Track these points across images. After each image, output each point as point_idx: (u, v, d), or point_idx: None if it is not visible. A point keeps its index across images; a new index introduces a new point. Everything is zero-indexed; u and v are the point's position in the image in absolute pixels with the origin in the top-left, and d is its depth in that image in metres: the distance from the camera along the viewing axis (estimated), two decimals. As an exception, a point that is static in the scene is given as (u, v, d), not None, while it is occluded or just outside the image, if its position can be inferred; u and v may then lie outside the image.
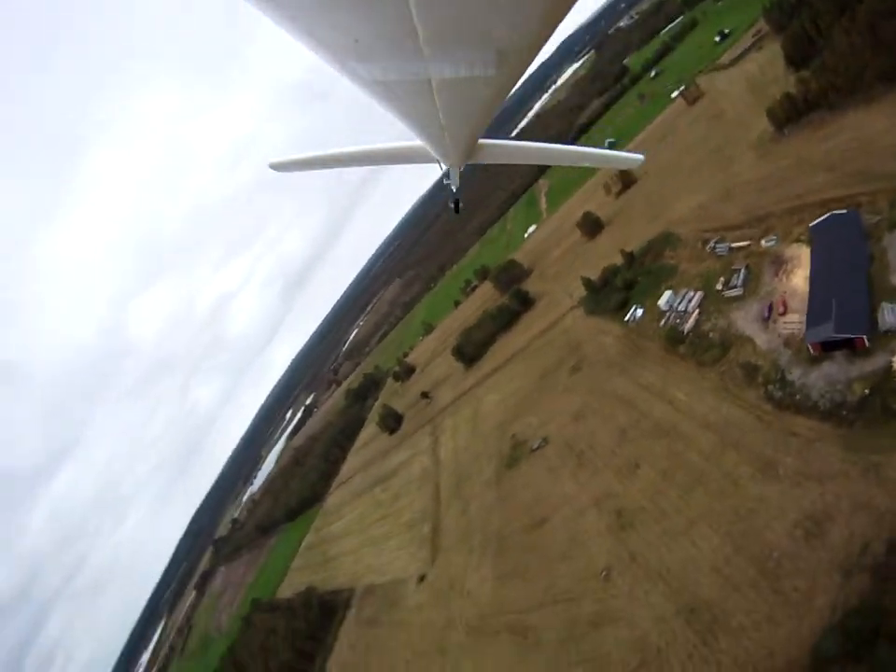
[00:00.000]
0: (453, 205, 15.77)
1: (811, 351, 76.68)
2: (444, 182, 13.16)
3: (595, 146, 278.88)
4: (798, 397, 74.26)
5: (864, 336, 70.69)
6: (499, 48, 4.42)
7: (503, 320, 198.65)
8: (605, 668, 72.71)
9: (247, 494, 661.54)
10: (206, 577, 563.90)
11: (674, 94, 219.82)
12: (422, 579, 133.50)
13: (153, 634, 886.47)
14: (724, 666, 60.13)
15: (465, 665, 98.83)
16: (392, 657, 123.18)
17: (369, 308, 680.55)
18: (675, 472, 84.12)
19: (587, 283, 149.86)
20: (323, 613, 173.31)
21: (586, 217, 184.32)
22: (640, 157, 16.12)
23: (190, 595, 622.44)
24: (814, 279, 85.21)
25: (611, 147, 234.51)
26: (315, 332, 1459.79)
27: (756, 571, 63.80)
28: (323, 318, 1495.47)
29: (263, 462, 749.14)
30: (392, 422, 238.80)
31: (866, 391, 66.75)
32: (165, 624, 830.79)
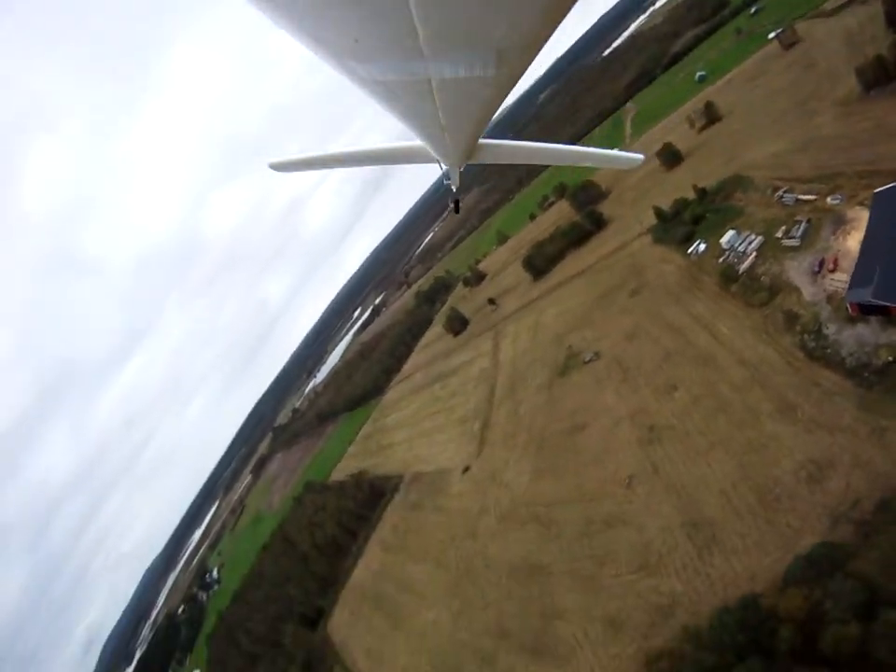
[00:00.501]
0: (452, 205, 17.15)
1: (849, 311, 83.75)
2: (445, 182, 14.19)
3: (686, 76, 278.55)
4: (829, 350, 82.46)
5: (900, 306, 77.97)
6: (499, 48, 4.73)
7: (574, 238, 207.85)
8: (609, 564, 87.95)
9: (310, 386, 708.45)
10: (263, 461, 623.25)
11: (771, 35, 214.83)
12: (466, 470, 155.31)
13: (207, 513, 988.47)
14: (713, 581, 72.47)
15: (491, 548, 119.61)
16: (428, 538, 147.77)
17: (445, 214, 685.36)
18: (705, 399, 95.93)
19: (658, 212, 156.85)
20: (371, 495, 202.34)
21: (666, 147, 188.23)
22: (640, 157, 17.56)
23: (246, 479, 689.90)
24: (865, 243, 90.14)
25: (702, 80, 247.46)
26: (390, 234, 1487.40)
27: (757, 501, 74.85)
28: (398, 221, 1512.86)
29: (328, 357, 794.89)
30: (458, 324, 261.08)
31: (890, 358, 74.22)
32: (219, 504, 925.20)
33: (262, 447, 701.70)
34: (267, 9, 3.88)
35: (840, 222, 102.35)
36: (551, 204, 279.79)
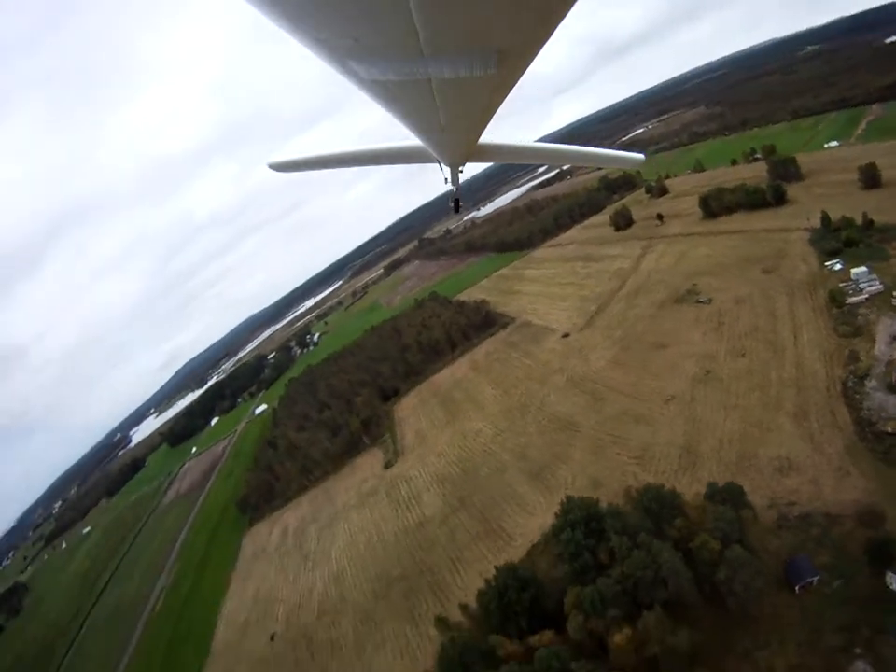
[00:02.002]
0: (452, 205, 18.78)
1: (894, 380, 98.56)
2: (445, 182, 15.15)
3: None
4: (858, 396, 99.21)
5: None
6: (499, 48, 5.03)
7: (753, 200, 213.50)
8: (619, 445, 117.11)
9: (470, 215, 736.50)
10: (399, 263, 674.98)
11: None
12: (565, 336, 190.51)
13: (326, 288, 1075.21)
14: (673, 485, 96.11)
15: (550, 398, 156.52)
16: (509, 372, 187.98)
17: (666, 116, 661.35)
18: (756, 374, 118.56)
19: (824, 219, 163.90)
20: (482, 323, 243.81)
21: (870, 166, 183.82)
22: (641, 156, 18.37)
23: (377, 272, 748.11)
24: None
25: None
26: (604, 109, 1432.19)
27: (735, 459, 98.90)
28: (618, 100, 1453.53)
29: (497, 198, 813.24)
30: (622, 222, 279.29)
31: (890, 430, 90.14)
32: (341, 285, 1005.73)
33: (403, 251, 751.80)
34: (267, 9, 4.17)
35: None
36: (755, 160, 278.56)
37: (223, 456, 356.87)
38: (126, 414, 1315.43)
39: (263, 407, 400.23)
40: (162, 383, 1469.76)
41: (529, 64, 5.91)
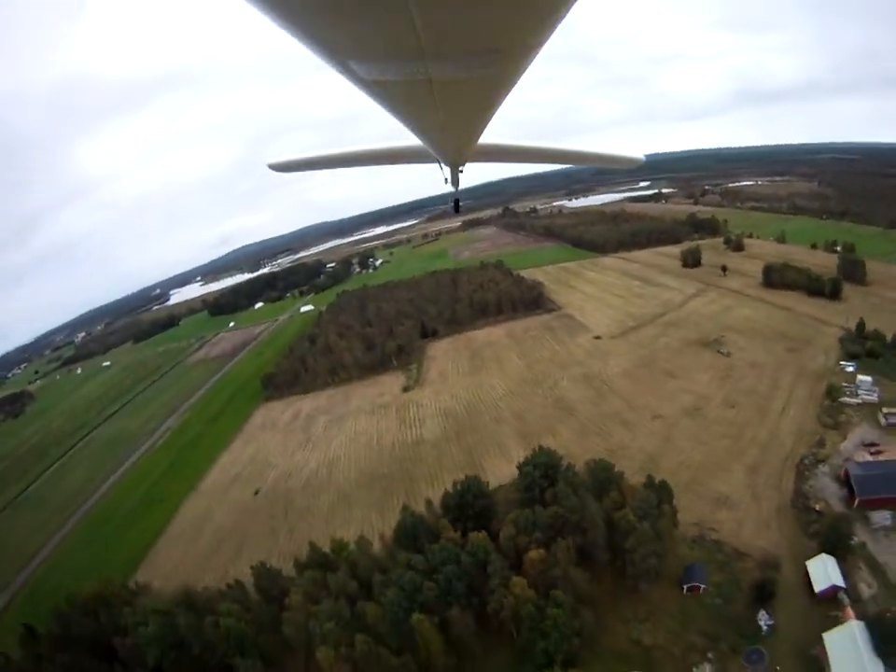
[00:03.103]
0: (452, 205, 18.96)
1: (841, 474, 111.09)
2: (445, 182, 15.27)
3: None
4: (807, 474, 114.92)
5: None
6: (499, 48, 5.07)
7: (811, 286, 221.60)
8: (599, 439, 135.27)
9: (560, 203, 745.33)
10: (479, 223, 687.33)
11: None
12: (597, 338, 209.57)
13: (401, 222, 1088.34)
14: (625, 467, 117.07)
15: (561, 383, 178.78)
16: (539, 349, 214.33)
17: (779, 179, 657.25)
18: (735, 427, 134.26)
19: (860, 325, 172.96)
20: (531, 301, 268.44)
21: None
22: (641, 157, 18.02)
23: (455, 224, 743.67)
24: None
25: None
26: (723, 148, 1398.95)
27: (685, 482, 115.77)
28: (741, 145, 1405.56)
29: (592, 196, 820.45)
30: (691, 261, 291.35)
31: (818, 507, 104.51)
32: (416, 223, 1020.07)
33: (486, 213, 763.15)
34: (267, 9, 4.15)
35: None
36: (833, 251, 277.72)
37: (258, 338, 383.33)
38: (170, 275, 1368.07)
39: (309, 307, 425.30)
40: (214, 257, 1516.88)
41: (529, 65, 6.01)
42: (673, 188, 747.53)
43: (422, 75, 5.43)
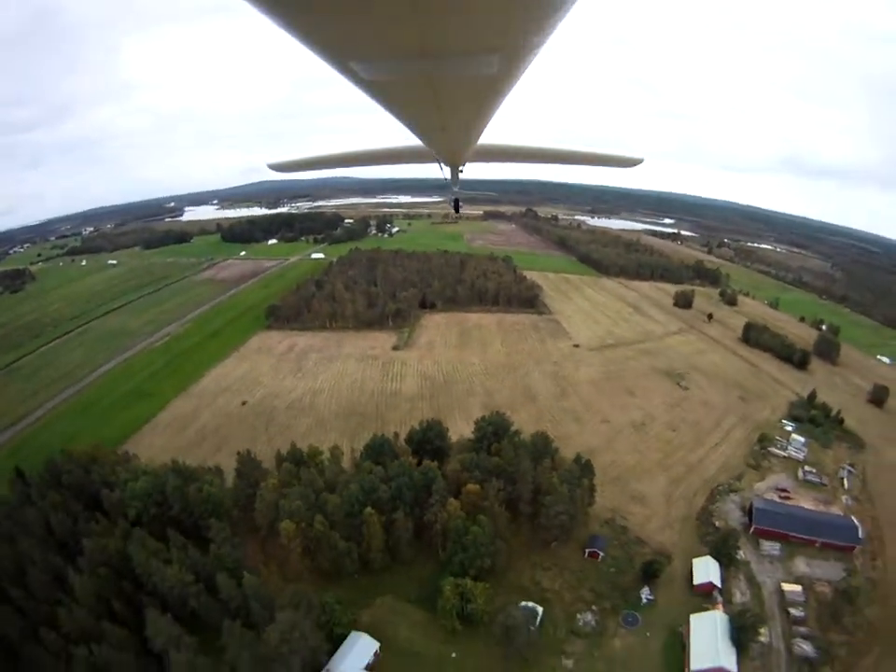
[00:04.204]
0: (452, 204, 19.64)
1: (747, 508, 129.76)
2: (445, 182, 15.75)
3: None
4: (718, 498, 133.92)
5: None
6: (499, 48, 5.11)
7: (782, 352, 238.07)
8: (551, 426, 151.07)
9: (582, 217, 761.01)
10: (499, 216, 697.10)
11: None
12: (576, 346, 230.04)
13: (425, 197, 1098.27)
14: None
15: (534, 375, 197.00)
16: (523, 342, 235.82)
17: (797, 251, 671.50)
18: (671, 445, 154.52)
19: (811, 396, 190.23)
20: (527, 300, 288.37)
21: (882, 388, 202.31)
22: (640, 157, 18.28)
23: (478, 212, 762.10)
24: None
25: None
26: (761, 209, 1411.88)
27: (614, 477, 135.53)
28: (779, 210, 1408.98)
29: (613, 218, 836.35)
30: (682, 302, 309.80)
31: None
32: (441, 201, 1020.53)
33: (508, 209, 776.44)
34: (268, 10, 4.20)
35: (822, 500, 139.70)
36: (819, 328, 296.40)
37: (267, 271, 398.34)
38: (188, 191, 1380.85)
39: (321, 255, 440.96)
40: (234, 185, 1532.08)
41: (529, 65, 5.97)
42: (694, 231, 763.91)
43: (422, 75, 5.68)
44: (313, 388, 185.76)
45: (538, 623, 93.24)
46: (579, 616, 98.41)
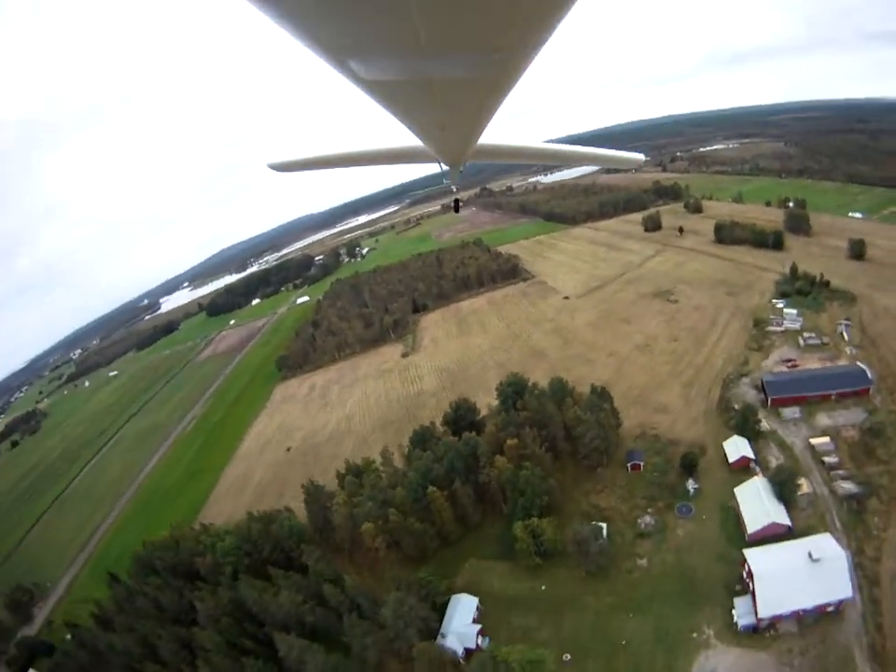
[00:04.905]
0: (452, 204, 19.81)
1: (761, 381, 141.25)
2: (444, 182, 15.60)
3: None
4: (731, 385, 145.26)
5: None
6: (499, 48, 5.05)
7: (756, 240, 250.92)
8: (565, 374, 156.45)
9: (535, 178, 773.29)
10: (458, 205, 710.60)
11: None
12: (566, 298, 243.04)
13: (384, 209, 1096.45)
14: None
15: (534, 335, 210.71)
16: (515, 311, 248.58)
17: (747, 140, 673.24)
18: (676, 354, 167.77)
19: (793, 271, 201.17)
20: (508, 272, 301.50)
21: (859, 242, 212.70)
22: (641, 156, 18.20)
23: (435, 207, 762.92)
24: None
25: None
26: (694, 113, 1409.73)
27: (633, 398, 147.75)
28: (711, 109, 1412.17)
29: (566, 169, 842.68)
30: (651, 225, 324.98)
31: (737, 407, 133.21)
32: (398, 209, 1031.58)
33: (463, 194, 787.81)
34: (267, 9, 4.13)
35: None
36: (786, 207, 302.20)
37: (261, 330, 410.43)
38: (156, 284, 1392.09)
39: (305, 298, 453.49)
40: (196, 262, 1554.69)
41: (529, 65, 5.92)
42: (646, 155, 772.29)
43: (422, 75, 5.61)
44: (345, 415, 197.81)
45: (605, 537, 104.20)
46: (639, 521, 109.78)
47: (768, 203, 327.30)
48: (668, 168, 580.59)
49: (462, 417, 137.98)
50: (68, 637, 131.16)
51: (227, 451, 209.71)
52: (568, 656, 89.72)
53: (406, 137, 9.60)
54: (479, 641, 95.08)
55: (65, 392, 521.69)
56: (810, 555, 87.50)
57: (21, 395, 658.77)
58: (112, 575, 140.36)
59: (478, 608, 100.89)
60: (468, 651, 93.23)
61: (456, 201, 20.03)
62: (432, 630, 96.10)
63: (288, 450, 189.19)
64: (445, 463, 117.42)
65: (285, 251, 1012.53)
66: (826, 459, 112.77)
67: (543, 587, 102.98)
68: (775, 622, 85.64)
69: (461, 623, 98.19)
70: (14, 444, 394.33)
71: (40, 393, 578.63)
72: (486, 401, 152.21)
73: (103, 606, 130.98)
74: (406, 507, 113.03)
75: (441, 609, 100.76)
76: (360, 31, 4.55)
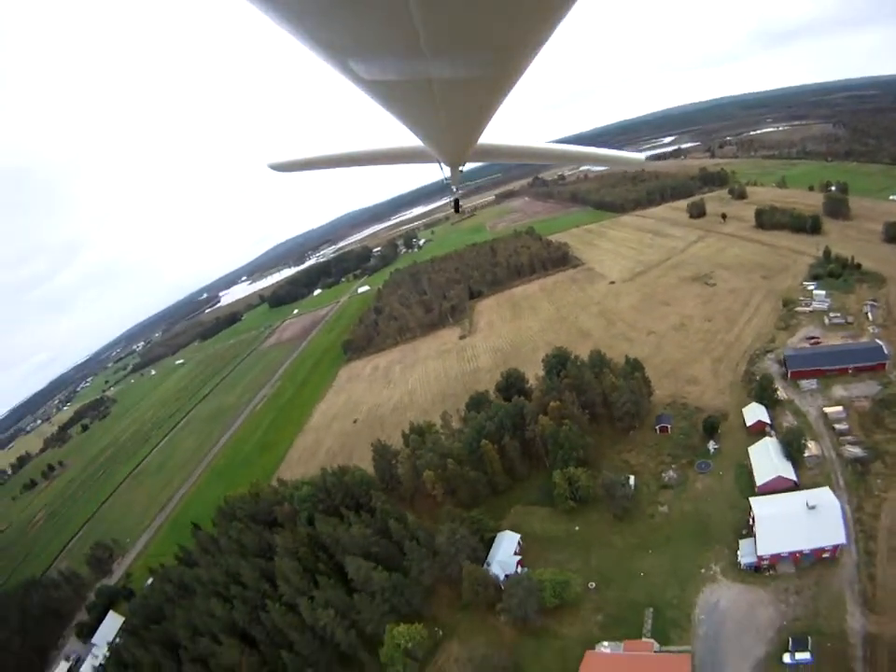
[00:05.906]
0: (452, 204, 19.56)
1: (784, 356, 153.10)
2: (444, 182, 15.57)
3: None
4: (757, 360, 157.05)
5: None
6: (499, 48, 5.06)
7: (795, 224, 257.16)
8: (608, 351, 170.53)
9: (586, 167, 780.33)
10: (511, 195, 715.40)
11: None
12: (612, 283, 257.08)
13: (436, 201, 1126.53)
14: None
15: (581, 317, 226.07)
16: (565, 296, 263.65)
17: (797, 123, 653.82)
18: (709, 333, 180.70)
19: (826, 252, 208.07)
20: (559, 259, 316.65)
21: (893, 225, 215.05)
22: (641, 157, 18.70)
23: (489, 197, 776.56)
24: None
25: None
26: (743, 95, 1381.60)
27: (667, 371, 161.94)
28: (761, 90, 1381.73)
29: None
30: (695, 212, 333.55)
31: (758, 378, 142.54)
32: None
33: (517, 184, 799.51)
34: (267, 9, 4.17)
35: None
36: (828, 191, 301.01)
37: (325, 318, 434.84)
38: (214, 278, 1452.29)
39: (366, 287, 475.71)
40: (254, 256, 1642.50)
41: (529, 65, 5.93)
42: (695, 141, 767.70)
43: (422, 75, 5.57)
44: (407, 390, 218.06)
45: (632, 486, 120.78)
46: (663, 475, 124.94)
47: (811, 188, 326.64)
48: (717, 154, 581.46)
49: (512, 385, 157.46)
50: (150, 581, 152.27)
51: (296, 425, 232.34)
52: (593, 584, 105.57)
53: (406, 137, 9.69)
54: (518, 570, 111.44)
55: (132, 381, 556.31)
56: (808, 504, 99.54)
57: (87, 384, 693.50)
58: (195, 525, 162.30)
59: (519, 543, 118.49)
60: (508, 578, 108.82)
61: (456, 201, 19.99)
62: (479, 559, 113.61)
63: (355, 422, 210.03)
64: (496, 421, 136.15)
65: (342, 244, 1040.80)
66: (837, 426, 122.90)
67: (577, 528, 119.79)
68: (774, 563, 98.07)
69: (505, 554, 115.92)
70: (84, 428, 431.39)
71: (106, 382, 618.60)
72: (534, 373, 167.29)
73: (187, 549, 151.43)
74: (462, 458, 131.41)
75: (488, 544, 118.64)
76: (360, 31, 4.71)
